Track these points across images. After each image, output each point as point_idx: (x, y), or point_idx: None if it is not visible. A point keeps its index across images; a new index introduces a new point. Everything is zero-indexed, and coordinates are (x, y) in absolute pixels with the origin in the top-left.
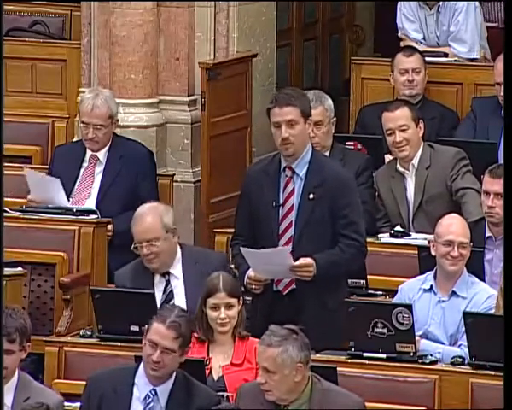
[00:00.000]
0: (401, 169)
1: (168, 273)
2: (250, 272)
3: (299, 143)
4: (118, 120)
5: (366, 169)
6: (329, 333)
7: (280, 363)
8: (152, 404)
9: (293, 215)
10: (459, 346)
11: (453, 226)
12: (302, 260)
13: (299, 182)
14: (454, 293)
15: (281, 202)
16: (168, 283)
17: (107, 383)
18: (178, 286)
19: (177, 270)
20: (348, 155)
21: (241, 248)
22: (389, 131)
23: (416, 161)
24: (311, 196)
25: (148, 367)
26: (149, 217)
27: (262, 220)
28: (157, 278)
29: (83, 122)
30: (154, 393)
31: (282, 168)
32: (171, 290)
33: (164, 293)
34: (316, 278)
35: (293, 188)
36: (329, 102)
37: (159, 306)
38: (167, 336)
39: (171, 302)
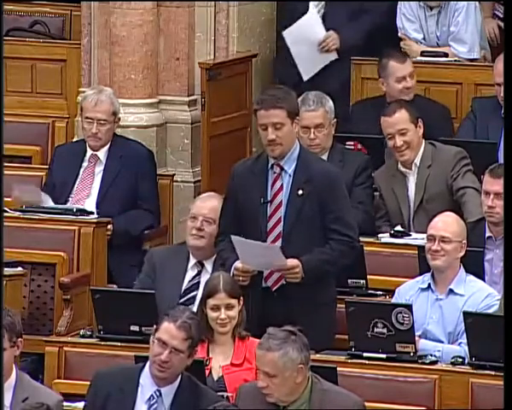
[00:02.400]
0: (403, 169)
1: (202, 265)
2: (237, 264)
3: (286, 144)
4: (119, 119)
5: (365, 169)
6: (320, 329)
7: (281, 366)
8: (156, 405)
9: (282, 212)
10: (459, 344)
11: (439, 222)
12: (288, 263)
13: (288, 178)
14: (451, 291)
15: (269, 198)
16: (198, 274)
17: (114, 382)
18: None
19: (209, 264)
20: (347, 155)
21: (232, 237)
22: (389, 136)
23: (417, 160)
24: (300, 192)
25: (155, 367)
26: (215, 200)
27: (249, 218)
28: (191, 263)
29: (86, 117)
30: (158, 394)
31: (269, 165)
32: (198, 282)
33: (190, 282)
34: (306, 279)
35: (282, 185)
36: (330, 103)
37: (182, 291)
38: (177, 336)
39: (193, 294)
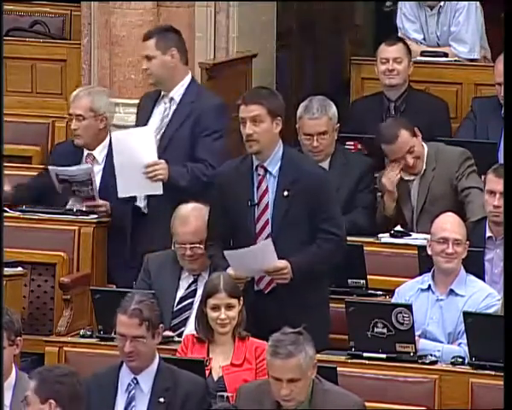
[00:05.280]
0: (407, 177)
1: (198, 273)
2: (229, 271)
3: (264, 142)
4: (106, 118)
5: (367, 173)
6: (313, 330)
7: (305, 368)
8: (134, 392)
9: (269, 213)
10: (459, 345)
11: (447, 224)
12: (277, 264)
13: (273, 180)
14: (452, 291)
15: (256, 201)
16: (195, 282)
17: (94, 383)
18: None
19: (205, 272)
20: (351, 158)
21: (225, 252)
22: (398, 157)
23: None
24: (286, 193)
25: (125, 359)
26: (195, 219)
27: (237, 221)
28: (185, 273)
29: (69, 115)
30: (135, 382)
31: (254, 167)
32: (195, 290)
33: (187, 289)
34: (294, 280)
35: (267, 186)
36: (333, 109)
37: (177, 300)
38: (131, 324)
39: (190, 301)
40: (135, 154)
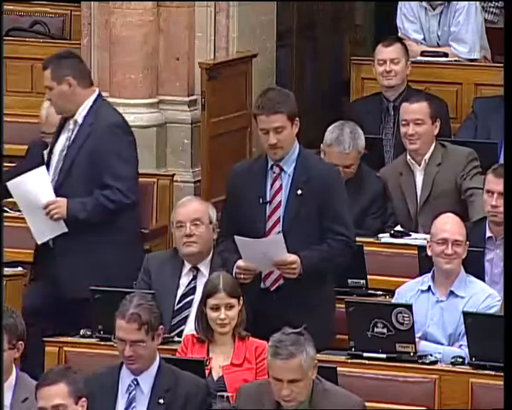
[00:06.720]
0: (412, 162)
1: (197, 269)
2: (239, 262)
3: (288, 146)
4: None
5: (380, 198)
6: (318, 329)
7: (306, 368)
8: (134, 393)
9: (281, 212)
10: (460, 346)
11: (447, 225)
12: (287, 258)
13: (287, 178)
14: (452, 293)
15: (268, 199)
16: (194, 278)
17: (94, 383)
18: (202, 285)
19: (205, 268)
20: (365, 180)
21: (236, 237)
22: (404, 122)
23: (427, 157)
24: (299, 191)
25: (125, 363)
26: (197, 202)
27: (248, 218)
28: (185, 270)
29: (43, 133)
30: (135, 382)
31: (269, 166)
32: (195, 287)
33: (187, 286)
34: (303, 275)
35: (281, 185)
36: (362, 139)
37: (178, 298)
38: (130, 329)
39: (190, 298)
40: (34, 197)
